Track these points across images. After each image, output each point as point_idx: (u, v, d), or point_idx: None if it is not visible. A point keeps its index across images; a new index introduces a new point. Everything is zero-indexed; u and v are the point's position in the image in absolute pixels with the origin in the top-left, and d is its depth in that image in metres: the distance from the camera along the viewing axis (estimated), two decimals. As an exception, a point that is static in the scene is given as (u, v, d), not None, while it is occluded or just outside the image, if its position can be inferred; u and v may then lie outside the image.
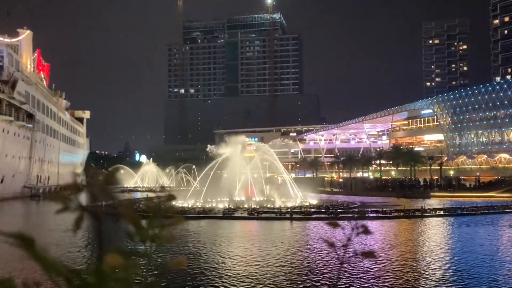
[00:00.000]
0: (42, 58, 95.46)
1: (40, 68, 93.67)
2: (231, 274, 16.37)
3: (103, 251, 1.00)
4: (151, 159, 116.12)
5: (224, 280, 15.48)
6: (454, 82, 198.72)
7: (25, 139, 69.60)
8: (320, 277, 15.93)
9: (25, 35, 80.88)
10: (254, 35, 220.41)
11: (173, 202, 1.12)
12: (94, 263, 1.00)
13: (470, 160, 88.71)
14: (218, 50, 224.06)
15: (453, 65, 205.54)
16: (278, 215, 36.24)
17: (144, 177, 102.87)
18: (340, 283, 14.23)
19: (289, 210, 37.49)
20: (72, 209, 0.99)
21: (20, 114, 66.59)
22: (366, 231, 1.07)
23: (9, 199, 60.41)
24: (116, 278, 1.00)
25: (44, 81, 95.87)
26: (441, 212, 38.36)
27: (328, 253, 19.60)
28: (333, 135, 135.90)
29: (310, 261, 18.80)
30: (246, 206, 40.46)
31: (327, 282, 15.09)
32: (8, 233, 0.89)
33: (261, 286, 14.73)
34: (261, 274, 16.24)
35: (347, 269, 16.03)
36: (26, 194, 68.40)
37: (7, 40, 73.99)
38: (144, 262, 1.07)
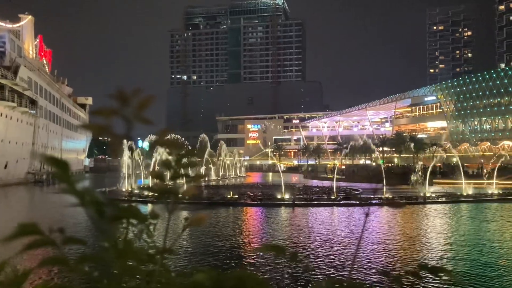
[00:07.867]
0: (44, 44, 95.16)
1: (42, 54, 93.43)
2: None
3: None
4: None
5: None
6: (458, 69, 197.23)
7: (28, 125, 69.79)
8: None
9: (27, 20, 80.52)
10: (257, 21, 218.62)
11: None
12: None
13: (473, 147, 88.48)
14: (220, 36, 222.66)
15: (458, 52, 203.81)
16: (281, 201, 36.35)
17: (147, 164, 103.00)
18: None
19: (291, 196, 37.56)
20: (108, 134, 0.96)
21: (23, 100, 66.65)
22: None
23: (12, 185, 60.78)
24: (146, 216, 1.01)
25: (47, 67, 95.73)
26: (443, 199, 38.49)
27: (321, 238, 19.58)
28: (336, 122, 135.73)
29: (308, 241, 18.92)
30: (249, 192, 40.56)
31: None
32: (44, 155, 0.85)
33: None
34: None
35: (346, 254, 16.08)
36: (30, 180, 68.82)
37: (9, 25, 73.74)
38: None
